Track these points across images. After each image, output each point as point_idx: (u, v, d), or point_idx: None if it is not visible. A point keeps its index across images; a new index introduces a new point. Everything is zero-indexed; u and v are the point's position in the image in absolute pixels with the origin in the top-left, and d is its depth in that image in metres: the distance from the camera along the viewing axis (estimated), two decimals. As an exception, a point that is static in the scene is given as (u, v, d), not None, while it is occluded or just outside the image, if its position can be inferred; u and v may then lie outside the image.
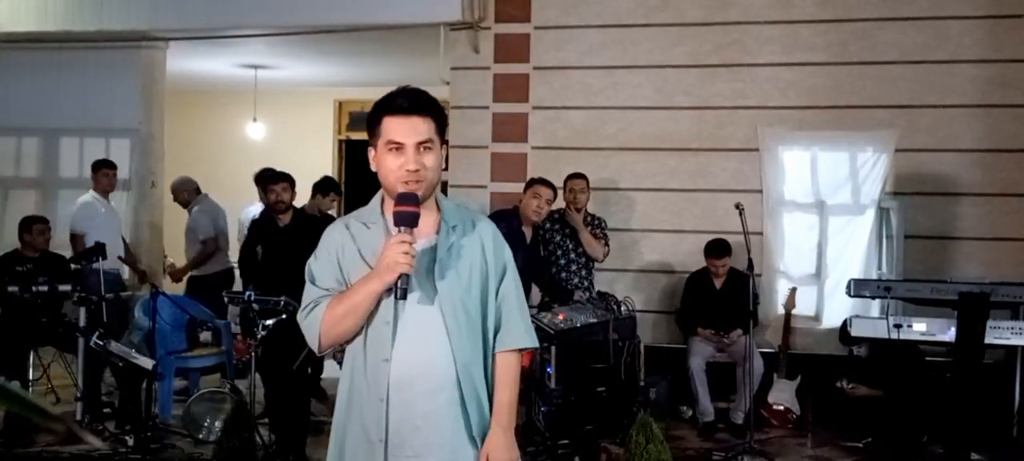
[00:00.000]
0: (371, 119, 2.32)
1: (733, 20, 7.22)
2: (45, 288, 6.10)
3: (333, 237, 2.37)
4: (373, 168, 2.34)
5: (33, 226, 6.64)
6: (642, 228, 7.39)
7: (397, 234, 2.20)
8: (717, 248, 6.62)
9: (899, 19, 7.01)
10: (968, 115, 6.95)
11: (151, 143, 8.40)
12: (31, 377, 6.32)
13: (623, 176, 7.40)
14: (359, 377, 2.30)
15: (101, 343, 5.52)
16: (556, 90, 7.51)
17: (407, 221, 2.21)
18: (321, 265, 2.35)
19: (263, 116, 11.03)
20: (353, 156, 11.65)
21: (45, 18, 7.90)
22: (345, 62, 9.81)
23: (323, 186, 7.18)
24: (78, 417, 6.07)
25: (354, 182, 11.60)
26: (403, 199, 2.23)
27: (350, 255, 2.33)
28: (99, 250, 6.54)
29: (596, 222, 6.71)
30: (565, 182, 6.69)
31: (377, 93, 2.43)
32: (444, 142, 2.34)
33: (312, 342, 2.33)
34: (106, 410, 6.32)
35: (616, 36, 7.41)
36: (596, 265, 6.73)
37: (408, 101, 2.27)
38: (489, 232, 2.40)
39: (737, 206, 5.65)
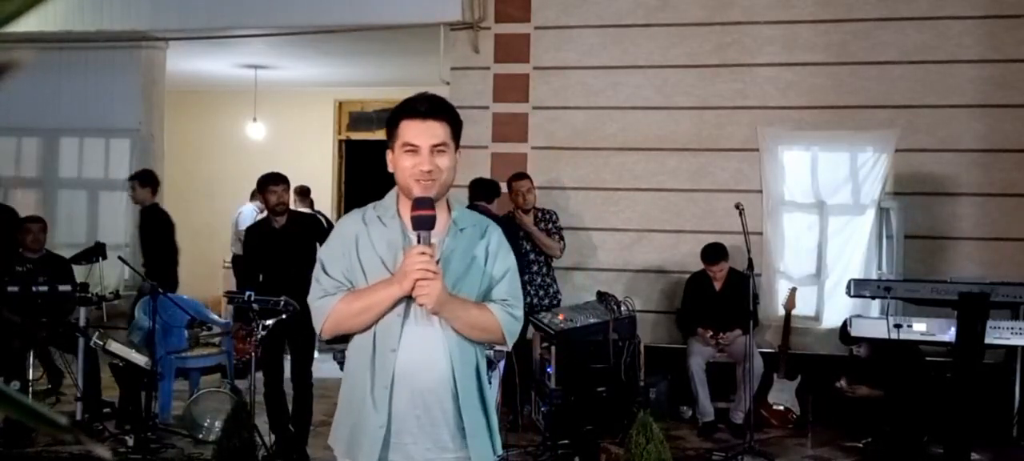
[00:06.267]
0: (390, 122, 2.42)
1: (733, 20, 7.22)
2: (45, 288, 6.09)
3: (348, 227, 2.45)
4: (390, 169, 2.42)
5: (19, 227, 6.59)
6: (642, 228, 7.38)
7: (418, 246, 2.26)
8: (712, 253, 6.61)
9: (899, 19, 7.01)
10: (968, 115, 6.94)
11: (151, 143, 8.40)
12: (31, 377, 6.30)
13: (623, 176, 7.39)
14: (366, 365, 2.36)
15: (100, 343, 5.52)
16: (556, 90, 7.51)
17: (424, 225, 2.27)
18: (332, 254, 2.42)
19: (263, 116, 11.02)
20: (353, 156, 11.62)
21: (45, 18, 7.88)
22: (345, 62, 9.80)
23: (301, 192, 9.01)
24: (78, 417, 6.07)
25: (354, 182, 11.61)
26: (419, 203, 2.28)
27: (366, 249, 2.39)
28: (99, 250, 6.54)
29: (547, 217, 6.62)
30: (509, 183, 6.60)
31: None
32: (458, 147, 2.41)
33: (318, 327, 2.41)
34: (106, 410, 6.31)
35: (616, 36, 7.40)
36: (555, 262, 6.66)
37: (426, 106, 2.36)
38: (496, 238, 2.47)
39: (737, 206, 5.65)
